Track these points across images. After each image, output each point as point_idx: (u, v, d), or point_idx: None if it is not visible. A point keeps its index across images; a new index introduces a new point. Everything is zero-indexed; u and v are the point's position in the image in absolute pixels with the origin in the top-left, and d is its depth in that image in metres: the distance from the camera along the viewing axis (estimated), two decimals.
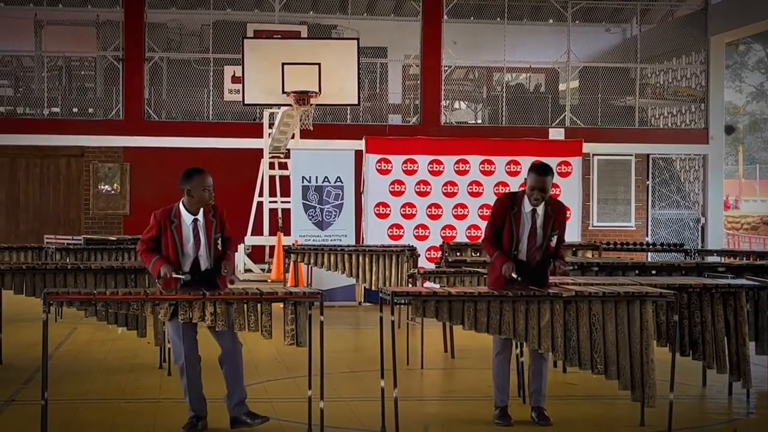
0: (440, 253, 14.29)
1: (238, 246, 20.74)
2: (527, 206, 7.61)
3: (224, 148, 22.63)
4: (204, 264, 7.41)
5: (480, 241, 8.02)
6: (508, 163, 17.55)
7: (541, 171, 7.59)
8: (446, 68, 24.13)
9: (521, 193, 7.69)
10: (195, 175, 7.39)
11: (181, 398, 7.50)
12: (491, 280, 7.81)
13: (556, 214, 7.68)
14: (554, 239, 7.64)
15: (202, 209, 7.41)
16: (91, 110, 24.44)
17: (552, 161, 17.64)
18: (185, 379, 7.33)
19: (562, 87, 25.84)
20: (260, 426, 7.36)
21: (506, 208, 7.65)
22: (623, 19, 26.90)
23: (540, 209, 7.62)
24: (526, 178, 7.65)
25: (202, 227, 7.40)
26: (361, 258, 14.18)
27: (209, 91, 23.48)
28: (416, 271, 12.10)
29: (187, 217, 7.39)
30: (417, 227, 17.30)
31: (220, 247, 7.43)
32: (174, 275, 7.26)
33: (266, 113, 21.04)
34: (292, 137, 19.94)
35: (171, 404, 8.02)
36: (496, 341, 7.71)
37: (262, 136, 21.14)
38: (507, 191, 8.08)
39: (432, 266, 14.11)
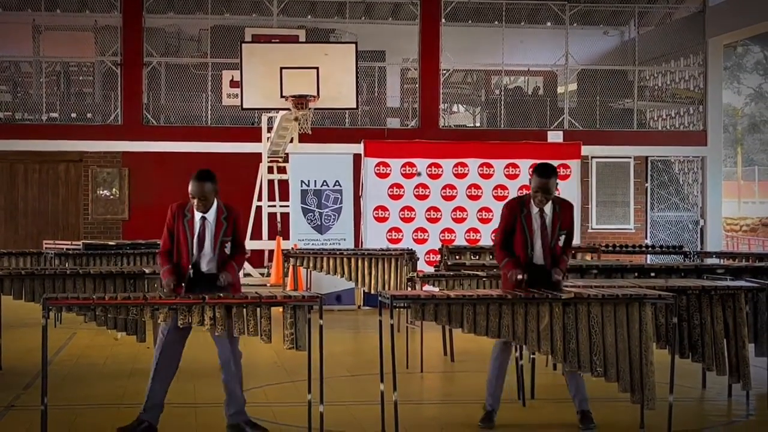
0: (439, 256, 14.30)
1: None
2: (534, 207, 7.65)
3: (223, 152, 22.62)
4: (206, 265, 7.36)
5: (493, 247, 8.05)
6: (507, 166, 17.55)
7: (543, 173, 7.61)
8: (444, 71, 24.13)
9: (528, 196, 7.71)
10: (192, 179, 7.31)
11: (181, 403, 7.51)
12: (505, 285, 7.81)
13: (563, 212, 7.71)
14: (562, 238, 7.67)
15: (214, 208, 7.35)
16: (89, 115, 24.44)
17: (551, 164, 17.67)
18: (151, 375, 7.30)
19: (560, 90, 25.84)
20: None
21: (515, 212, 7.67)
22: (621, 22, 26.90)
23: (547, 209, 7.65)
24: (530, 180, 7.67)
25: (209, 227, 7.34)
26: (360, 262, 14.19)
27: (207, 96, 23.48)
28: (415, 274, 12.11)
29: (197, 213, 7.34)
30: (416, 230, 17.30)
31: (227, 251, 7.37)
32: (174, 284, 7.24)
33: (265, 117, 21.03)
34: (291, 141, 19.94)
35: (171, 408, 8.01)
36: (496, 346, 7.72)
37: (260, 141, 21.12)
38: (514, 196, 8.16)
39: (431, 269, 14.12)
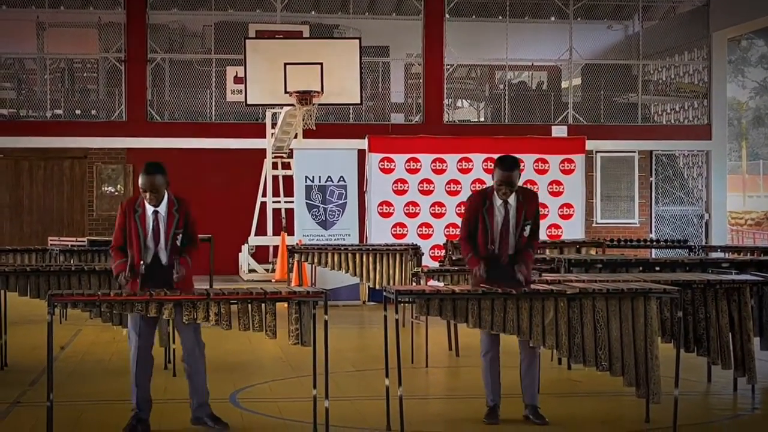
0: (444, 251, 14.30)
1: (242, 246, 20.77)
2: (498, 200, 7.63)
3: (227, 148, 22.63)
4: (165, 259, 7.32)
5: (458, 240, 8.01)
6: None
7: (506, 166, 7.59)
8: (448, 67, 24.10)
9: (491, 188, 7.69)
10: (142, 173, 7.27)
11: (186, 399, 7.51)
12: (475, 280, 7.78)
13: (527, 202, 7.69)
14: (527, 229, 7.64)
15: (165, 201, 7.30)
16: (93, 112, 24.43)
17: (555, 159, 17.71)
18: (132, 374, 7.27)
19: (564, 84, 25.80)
20: (262, 426, 7.34)
21: (478, 205, 7.66)
22: (625, 16, 26.85)
23: (512, 200, 7.63)
24: (493, 172, 7.65)
25: (162, 220, 7.30)
26: (364, 257, 14.19)
27: (212, 92, 23.47)
28: (420, 269, 12.11)
29: (148, 208, 7.30)
30: (420, 226, 17.30)
31: (179, 244, 7.32)
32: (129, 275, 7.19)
33: (269, 113, 21.03)
34: (295, 137, 19.94)
35: (176, 405, 8.03)
36: (484, 341, 7.70)
37: (264, 137, 21.13)
38: (477, 188, 8.18)
39: (436, 264, 14.11)
